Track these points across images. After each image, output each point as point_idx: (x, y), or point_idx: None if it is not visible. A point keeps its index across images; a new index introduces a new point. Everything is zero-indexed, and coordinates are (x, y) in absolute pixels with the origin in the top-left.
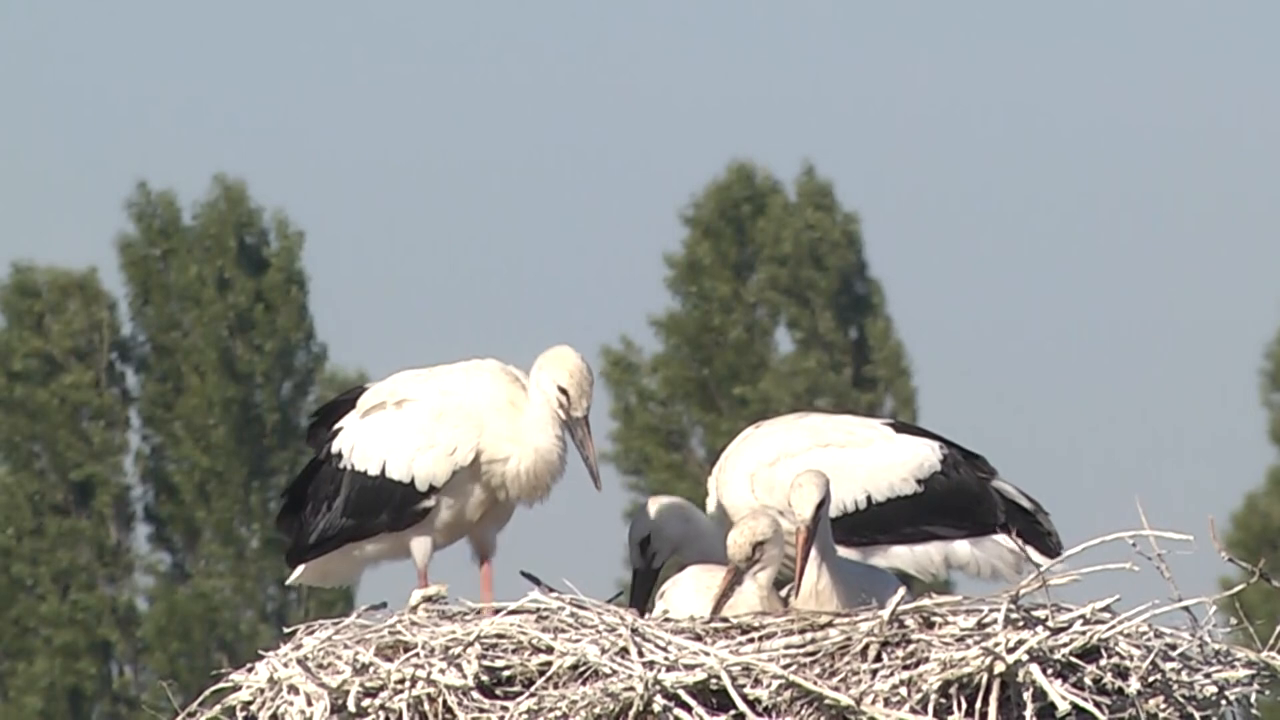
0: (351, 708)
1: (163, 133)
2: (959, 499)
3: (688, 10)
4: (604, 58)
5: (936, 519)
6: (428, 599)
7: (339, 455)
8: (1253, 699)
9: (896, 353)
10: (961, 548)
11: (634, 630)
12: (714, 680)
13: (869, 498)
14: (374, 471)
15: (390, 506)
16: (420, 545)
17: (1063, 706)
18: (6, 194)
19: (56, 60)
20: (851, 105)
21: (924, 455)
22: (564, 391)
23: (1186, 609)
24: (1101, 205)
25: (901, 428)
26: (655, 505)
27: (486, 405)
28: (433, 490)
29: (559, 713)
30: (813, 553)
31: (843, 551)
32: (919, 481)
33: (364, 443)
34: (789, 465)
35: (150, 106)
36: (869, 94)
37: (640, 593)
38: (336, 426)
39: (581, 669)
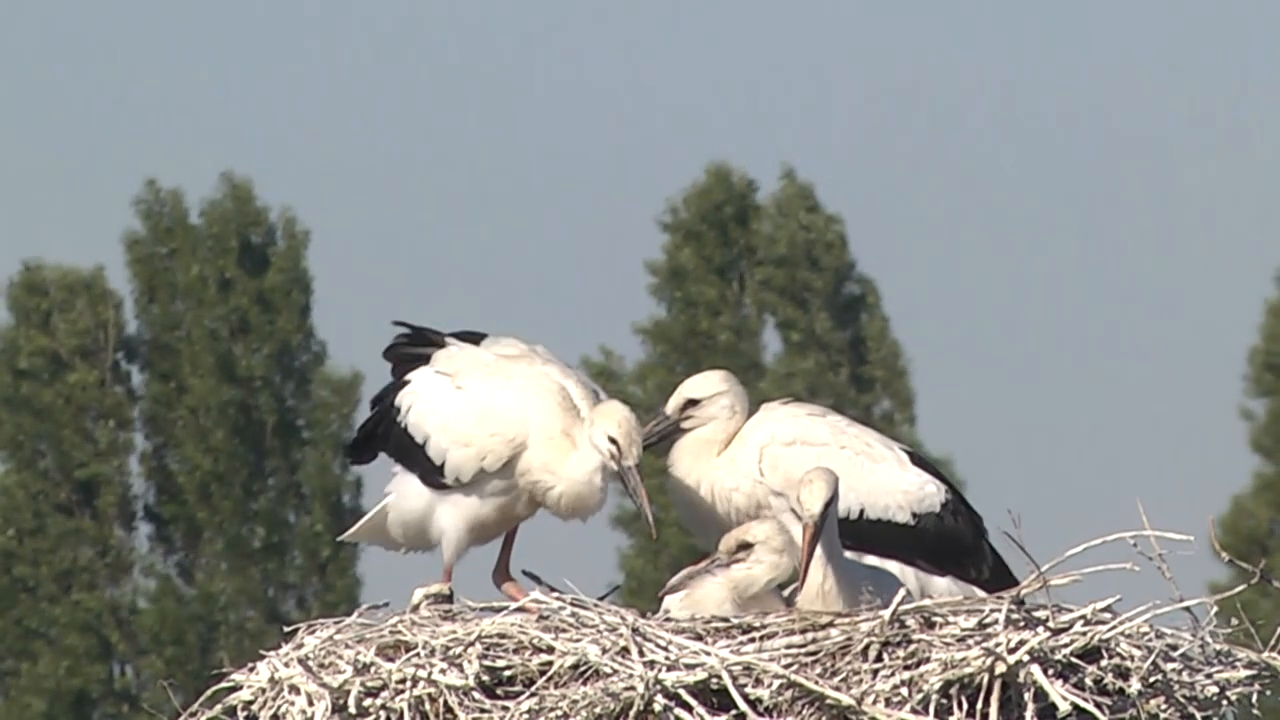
0: (352, 708)
1: (172, 130)
2: (946, 544)
3: (661, 17)
4: (591, 63)
5: (918, 556)
6: (429, 596)
7: (399, 409)
8: (1254, 699)
9: (894, 352)
10: (939, 581)
11: (635, 630)
12: (715, 680)
13: (862, 512)
14: (418, 440)
15: (421, 469)
16: (453, 534)
17: (1064, 707)
18: (16, 192)
19: (65, 58)
20: (825, 107)
21: (928, 491)
22: (614, 442)
23: (1188, 609)
24: (1088, 208)
25: (917, 460)
26: (725, 381)
27: (536, 429)
28: (459, 481)
29: (560, 712)
30: (819, 552)
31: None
32: (914, 515)
33: (418, 410)
34: (804, 453)
35: (160, 103)
36: (843, 96)
37: (649, 440)
38: (408, 377)
39: (582, 669)
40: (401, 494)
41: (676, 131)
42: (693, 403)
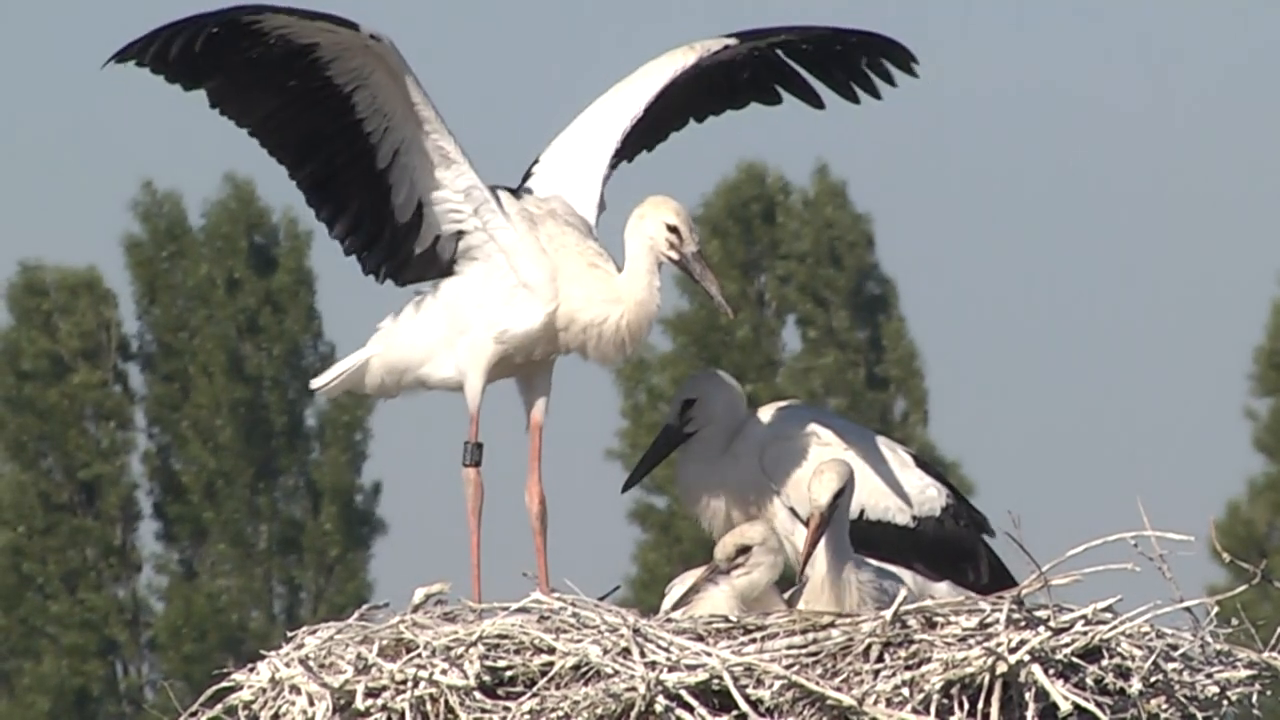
0: (360, 706)
1: (170, 132)
2: (944, 549)
3: (691, 11)
4: (612, 60)
5: (916, 558)
6: (430, 595)
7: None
8: (1254, 699)
9: (910, 353)
10: (937, 586)
11: (636, 630)
12: (716, 681)
13: (862, 512)
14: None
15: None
16: (472, 384)
17: (1065, 707)
18: (14, 193)
19: (65, 58)
20: (861, 107)
21: (930, 495)
22: (674, 230)
23: (1188, 609)
24: (1096, 208)
25: (921, 463)
26: (717, 378)
27: (568, 274)
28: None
29: (561, 713)
30: (822, 546)
31: None
32: (914, 518)
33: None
34: (806, 452)
35: (155, 104)
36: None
37: (659, 451)
38: (485, 200)
39: (583, 669)
40: (407, 332)
41: (714, 126)
42: (690, 403)
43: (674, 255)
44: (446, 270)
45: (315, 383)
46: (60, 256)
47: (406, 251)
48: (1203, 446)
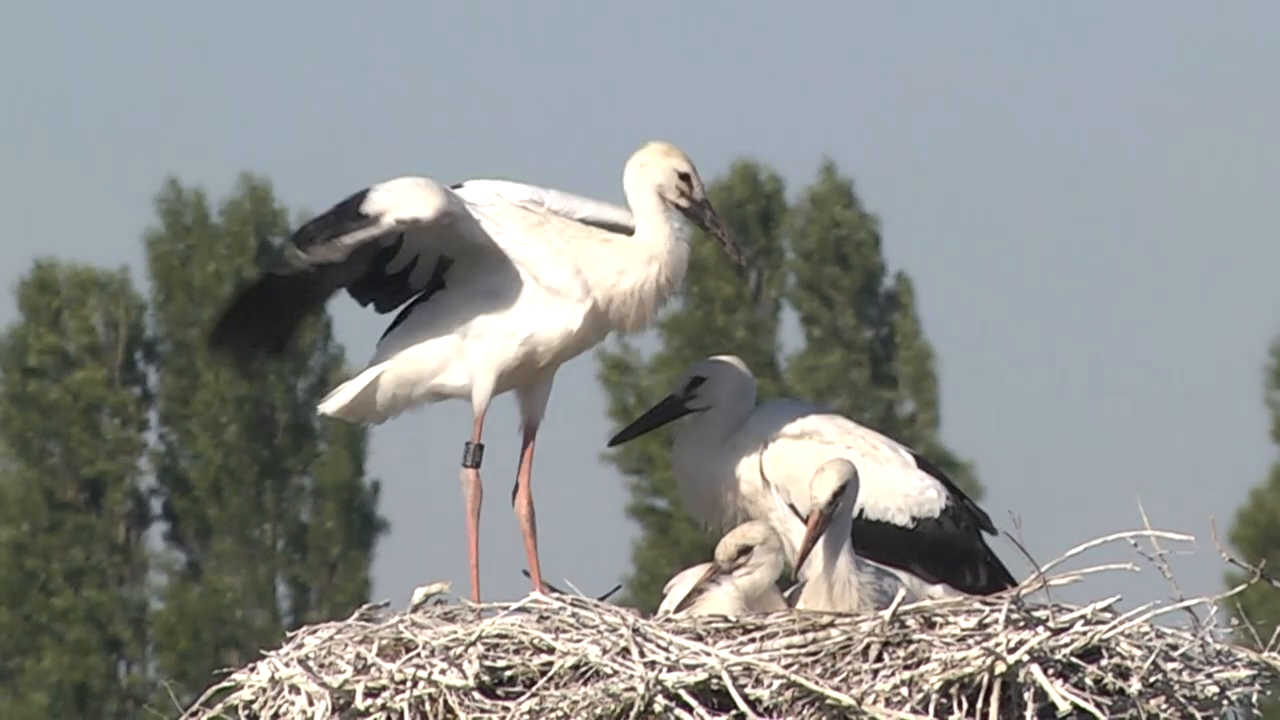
0: (359, 706)
1: (194, 130)
2: (943, 550)
3: (694, 9)
4: (611, 58)
5: (914, 560)
6: (430, 595)
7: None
8: (1254, 699)
9: (924, 353)
10: (933, 589)
11: (635, 630)
12: (715, 680)
13: (861, 512)
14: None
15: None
16: (482, 387)
17: (1064, 707)
18: (34, 190)
19: (86, 57)
20: (865, 104)
21: (929, 496)
22: (686, 178)
23: (1188, 609)
24: (1105, 205)
25: (922, 464)
26: (732, 365)
27: (590, 259)
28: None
29: (560, 713)
30: (822, 545)
31: None
32: (913, 519)
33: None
34: (808, 449)
35: (179, 103)
36: (881, 93)
37: (655, 418)
38: (494, 196)
39: (583, 669)
40: (417, 344)
41: (717, 124)
42: (698, 381)
43: (684, 203)
44: (435, 288)
45: (323, 406)
46: (86, 254)
47: (395, 283)
48: (1224, 438)
